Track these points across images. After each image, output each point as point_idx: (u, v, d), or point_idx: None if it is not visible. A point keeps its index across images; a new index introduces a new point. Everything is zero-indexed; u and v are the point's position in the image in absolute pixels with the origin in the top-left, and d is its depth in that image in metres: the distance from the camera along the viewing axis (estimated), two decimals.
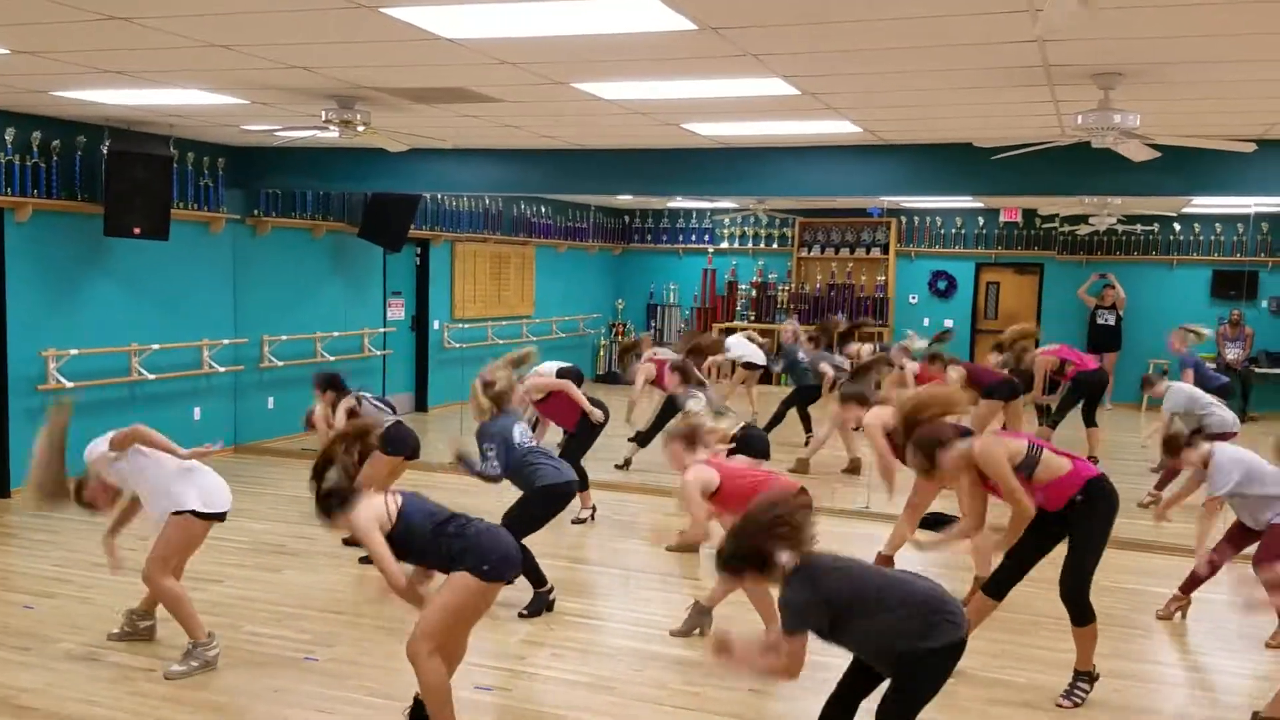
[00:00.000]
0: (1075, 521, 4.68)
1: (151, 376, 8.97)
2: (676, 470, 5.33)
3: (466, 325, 13.22)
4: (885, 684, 3.60)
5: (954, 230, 15.28)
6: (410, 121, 7.60)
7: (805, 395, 10.61)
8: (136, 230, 8.29)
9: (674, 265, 16.75)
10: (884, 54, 5.08)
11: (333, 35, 4.96)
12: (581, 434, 7.69)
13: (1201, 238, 14.26)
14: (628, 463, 9.47)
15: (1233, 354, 13.29)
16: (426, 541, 4.00)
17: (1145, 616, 6.02)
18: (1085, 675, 4.80)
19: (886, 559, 6.32)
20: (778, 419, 10.62)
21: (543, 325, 14.73)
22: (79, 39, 5.22)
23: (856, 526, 7.40)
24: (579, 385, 9.30)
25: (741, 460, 6.41)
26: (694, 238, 16.54)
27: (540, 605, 5.77)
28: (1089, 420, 9.89)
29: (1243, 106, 6.30)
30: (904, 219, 15.46)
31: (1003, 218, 14.88)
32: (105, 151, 8.16)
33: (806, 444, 10.29)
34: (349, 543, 7.06)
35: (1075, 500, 4.65)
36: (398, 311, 12.37)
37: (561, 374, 9.52)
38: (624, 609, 6.06)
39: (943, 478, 4.98)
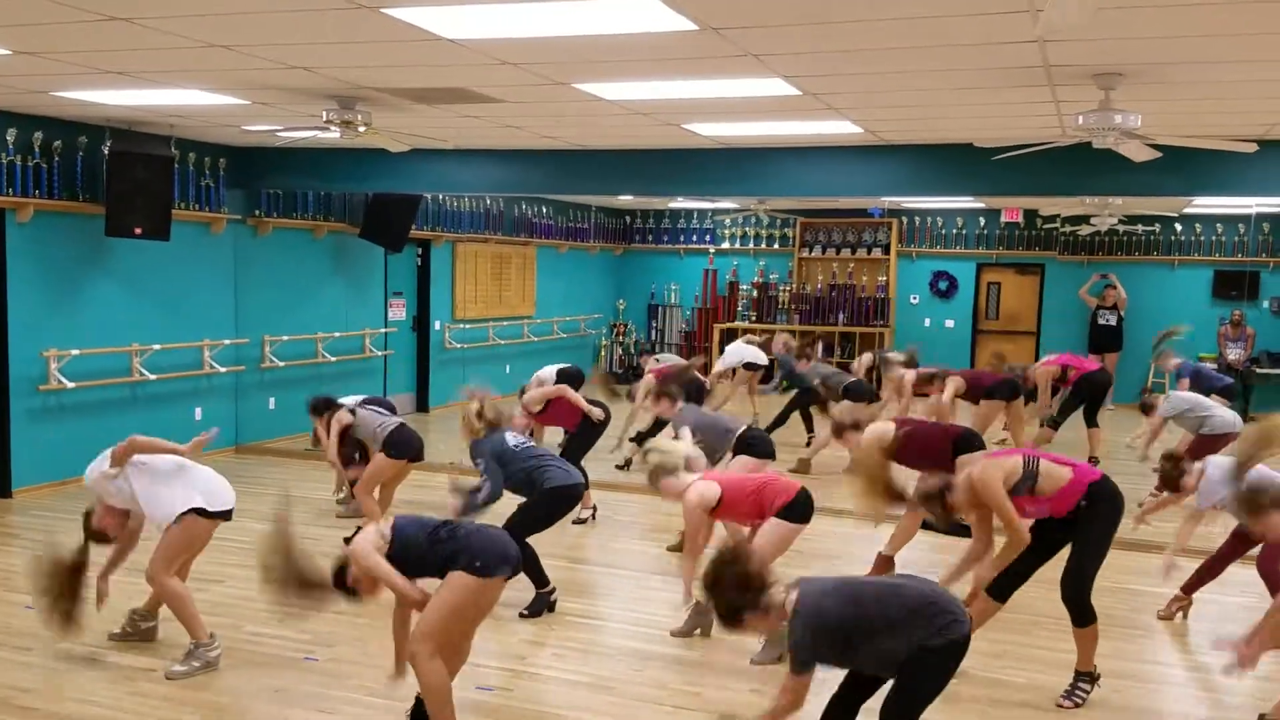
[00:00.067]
0: (1079, 525, 4.68)
1: (153, 377, 8.97)
2: (676, 500, 5.30)
3: (468, 326, 13.22)
4: (887, 684, 3.60)
5: (955, 230, 15.28)
6: (411, 122, 7.60)
7: (807, 396, 10.61)
8: (138, 230, 8.30)
9: (675, 265, 16.76)
10: (885, 54, 5.08)
11: (333, 35, 4.97)
12: (583, 434, 7.69)
13: (1203, 238, 14.26)
14: (628, 463, 9.47)
15: (1234, 354, 13.29)
16: (423, 550, 4.03)
17: (1146, 617, 6.02)
18: (1086, 676, 4.80)
19: (887, 559, 6.33)
20: (780, 420, 10.63)
21: (544, 326, 14.74)
22: (80, 40, 5.22)
23: (857, 526, 7.39)
24: (579, 385, 9.32)
25: (746, 461, 6.41)
26: (695, 238, 16.55)
27: (541, 605, 5.77)
28: (1090, 421, 9.89)
29: (1243, 107, 6.30)
30: (905, 219, 15.46)
31: (1004, 218, 14.89)
32: (106, 152, 8.17)
33: (808, 444, 10.30)
34: (349, 542, 7.07)
35: (1080, 505, 4.65)
36: (399, 312, 12.38)
37: (561, 374, 9.57)
38: (625, 609, 6.06)
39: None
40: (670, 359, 11.45)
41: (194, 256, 9.44)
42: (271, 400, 10.47)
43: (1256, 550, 5.58)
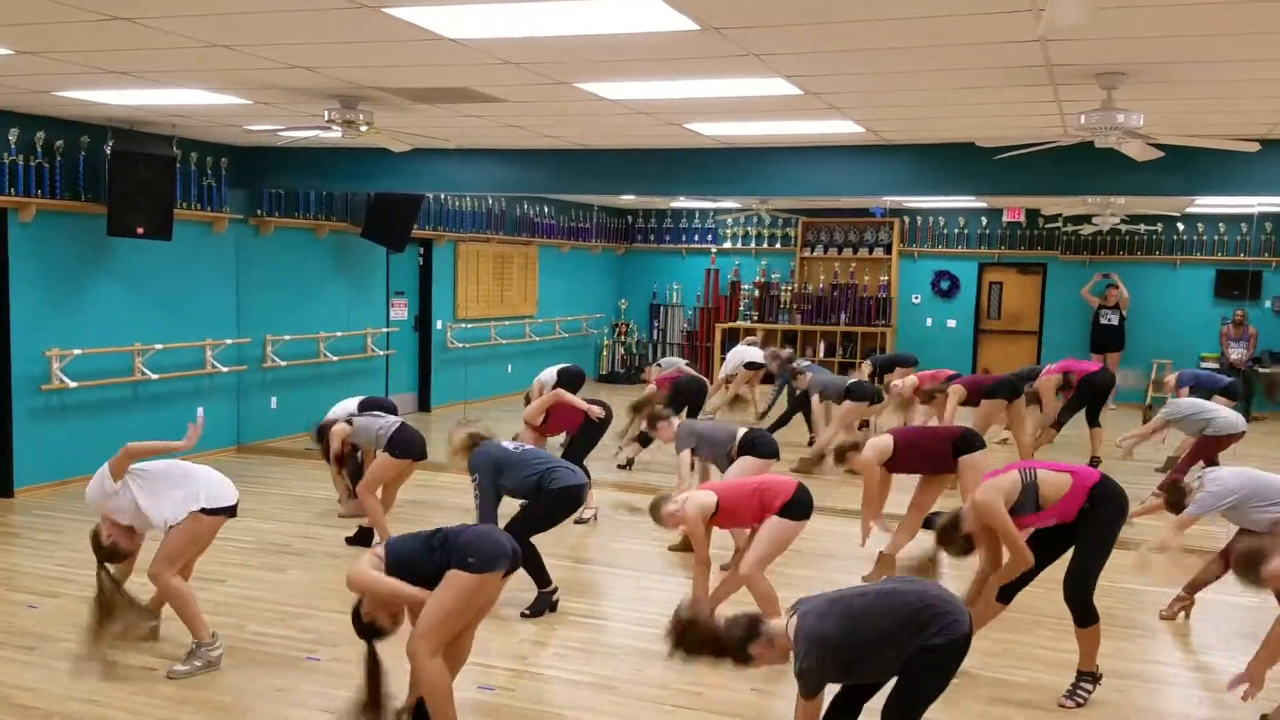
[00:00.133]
0: (1082, 526, 4.69)
1: (154, 376, 8.98)
2: (681, 524, 5.31)
3: (469, 325, 13.22)
4: (889, 684, 3.60)
5: (957, 230, 15.27)
6: (413, 121, 7.60)
7: (808, 398, 10.60)
8: (140, 230, 8.31)
9: (677, 265, 16.75)
10: (886, 54, 5.08)
11: (335, 35, 4.97)
12: (585, 434, 7.69)
13: (1205, 237, 14.25)
14: (630, 463, 9.48)
15: (1236, 354, 13.28)
16: (420, 561, 4.03)
17: (1148, 617, 6.01)
18: (1088, 676, 4.80)
19: (889, 559, 6.33)
20: (783, 420, 10.63)
21: (546, 325, 14.74)
22: (82, 39, 5.23)
23: (858, 526, 7.37)
24: (581, 384, 9.33)
25: (751, 462, 6.41)
26: (697, 238, 16.55)
27: (543, 605, 5.77)
28: (1092, 421, 9.89)
29: (1245, 106, 6.29)
30: (907, 219, 15.46)
31: (1006, 218, 14.88)
32: (108, 152, 8.17)
33: (810, 444, 10.29)
34: (352, 542, 7.08)
35: (1084, 509, 4.65)
36: (401, 311, 12.38)
37: (562, 374, 9.58)
38: (626, 609, 6.07)
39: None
40: (672, 362, 11.45)
41: (196, 256, 9.45)
42: (273, 400, 10.48)
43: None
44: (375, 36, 4.94)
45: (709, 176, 8.84)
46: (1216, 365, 13.20)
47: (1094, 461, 9.36)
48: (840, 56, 5.17)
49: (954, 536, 4.69)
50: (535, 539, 5.75)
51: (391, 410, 7.78)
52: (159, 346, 9.02)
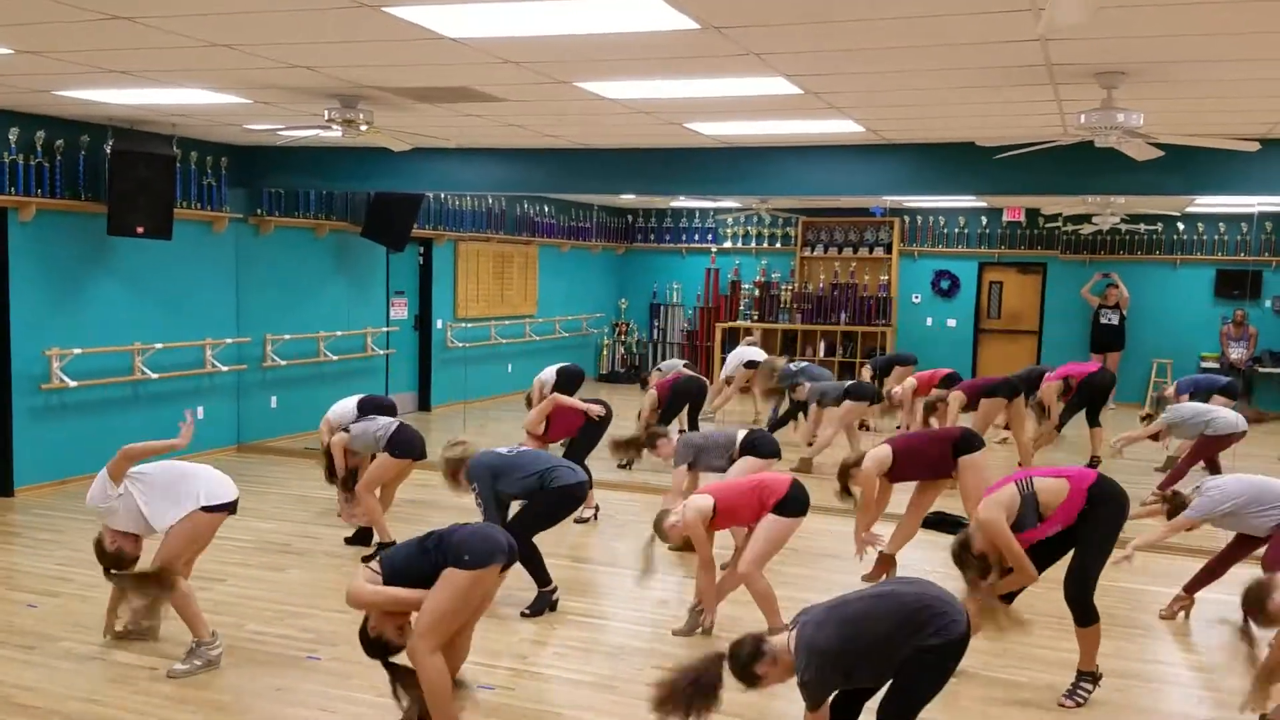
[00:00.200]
0: (1082, 526, 4.69)
1: (154, 376, 8.98)
2: (685, 532, 5.29)
3: (470, 325, 13.22)
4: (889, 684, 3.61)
5: (957, 230, 15.27)
6: (413, 121, 7.60)
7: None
8: (140, 230, 8.31)
9: (677, 265, 16.75)
10: (886, 53, 5.08)
11: (335, 35, 4.97)
12: (586, 434, 7.68)
13: (1205, 237, 14.25)
14: (630, 462, 9.47)
15: (1236, 354, 13.27)
16: (414, 561, 4.04)
17: (1148, 616, 6.02)
18: (1088, 675, 4.80)
19: (889, 558, 6.33)
20: (783, 420, 10.62)
21: (546, 325, 14.74)
22: (82, 39, 5.22)
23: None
24: (580, 383, 9.32)
25: (752, 462, 6.40)
26: (697, 237, 16.55)
27: (543, 605, 5.77)
28: (1093, 421, 9.89)
29: (1246, 105, 6.29)
30: (907, 218, 15.46)
31: (1006, 217, 14.87)
32: (108, 151, 8.17)
33: (810, 444, 10.29)
34: (351, 541, 7.09)
35: (1084, 511, 4.66)
36: (401, 311, 12.38)
37: (561, 373, 9.58)
38: (626, 608, 6.06)
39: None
40: (672, 365, 11.45)
41: (196, 255, 9.45)
42: (273, 399, 10.48)
43: (1260, 551, 5.57)
44: (375, 36, 4.94)
45: (709, 176, 8.84)
46: (1217, 365, 13.20)
47: (1094, 461, 9.37)
48: (840, 56, 5.17)
49: (968, 558, 4.68)
50: (536, 538, 5.76)
51: (391, 410, 7.78)
52: (159, 346, 9.02)
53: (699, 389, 9.84)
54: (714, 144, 8.43)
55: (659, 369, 11.48)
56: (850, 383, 10.22)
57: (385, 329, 11.91)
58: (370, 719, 4.48)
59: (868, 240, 15.68)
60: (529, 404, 9.82)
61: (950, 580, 4.69)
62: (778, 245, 16.15)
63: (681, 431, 9.77)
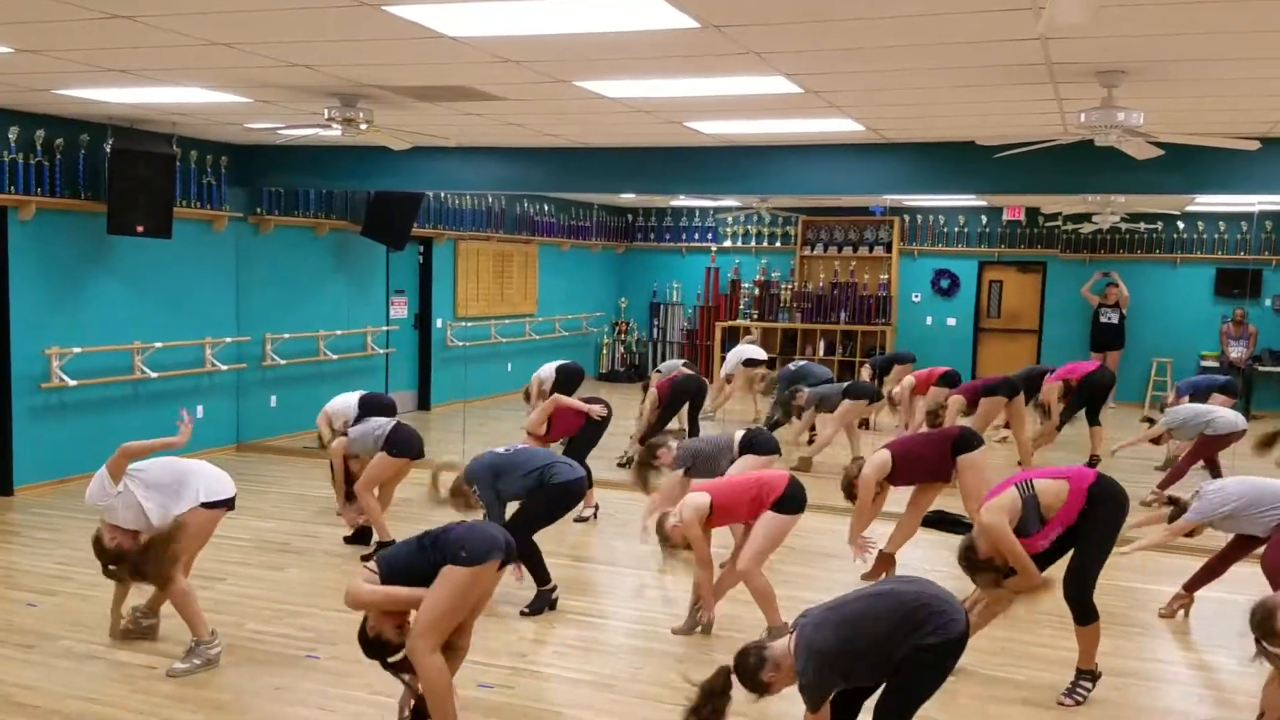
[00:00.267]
0: (1082, 525, 4.69)
1: (154, 375, 8.98)
2: (686, 532, 5.30)
3: (469, 324, 13.22)
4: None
5: (957, 229, 15.27)
6: (413, 120, 7.60)
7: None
8: (139, 228, 8.30)
9: (677, 264, 16.75)
10: (886, 52, 5.08)
11: (335, 33, 4.97)
12: (586, 433, 7.68)
13: (1205, 236, 14.25)
14: (630, 460, 9.47)
15: (1236, 352, 13.28)
16: (412, 560, 4.04)
17: (1147, 615, 6.02)
18: (1087, 674, 4.80)
19: (888, 557, 6.33)
20: (782, 419, 10.62)
21: (546, 324, 14.74)
22: (82, 37, 5.22)
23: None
24: (579, 382, 9.32)
25: (751, 460, 6.41)
26: (697, 236, 16.55)
27: (543, 604, 5.77)
28: (1092, 420, 9.89)
29: (1246, 104, 6.29)
30: (907, 217, 15.46)
31: (1006, 216, 14.87)
32: (108, 150, 8.17)
33: (810, 442, 10.30)
34: (350, 541, 7.09)
35: (1083, 510, 4.66)
36: (400, 310, 12.38)
37: (561, 371, 9.58)
38: (626, 607, 6.07)
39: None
40: (672, 365, 11.45)
41: (196, 254, 9.45)
42: (273, 398, 10.48)
43: (1260, 550, 5.57)
44: (375, 34, 4.94)
45: (709, 175, 8.83)
46: (1216, 364, 13.20)
47: (1093, 460, 9.37)
48: (840, 55, 5.17)
49: (977, 563, 4.67)
50: (535, 536, 5.76)
51: (391, 409, 7.78)
52: (159, 345, 9.02)
53: (698, 388, 9.84)
54: (714, 143, 8.42)
55: (658, 370, 11.48)
56: (848, 382, 10.22)
57: (385, 328, 11.91)
58: (369, 718, 4.49)
59: (867, 239, 15.68)
60: (526, 397, 9.87)
61: (950, 579, 4.70)
62: (777, 244, 16.15)
63: (681, 432, 9.79)
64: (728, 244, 16.39)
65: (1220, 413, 8.47)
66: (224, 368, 9.67)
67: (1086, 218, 13.42)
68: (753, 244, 16.24)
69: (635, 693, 4.79)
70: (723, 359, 13.07)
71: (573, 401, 7.65)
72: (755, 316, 15.88)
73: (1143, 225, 14.41)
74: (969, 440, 6.28)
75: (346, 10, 4.49)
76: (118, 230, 8.23)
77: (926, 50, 5.02)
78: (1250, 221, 13.93)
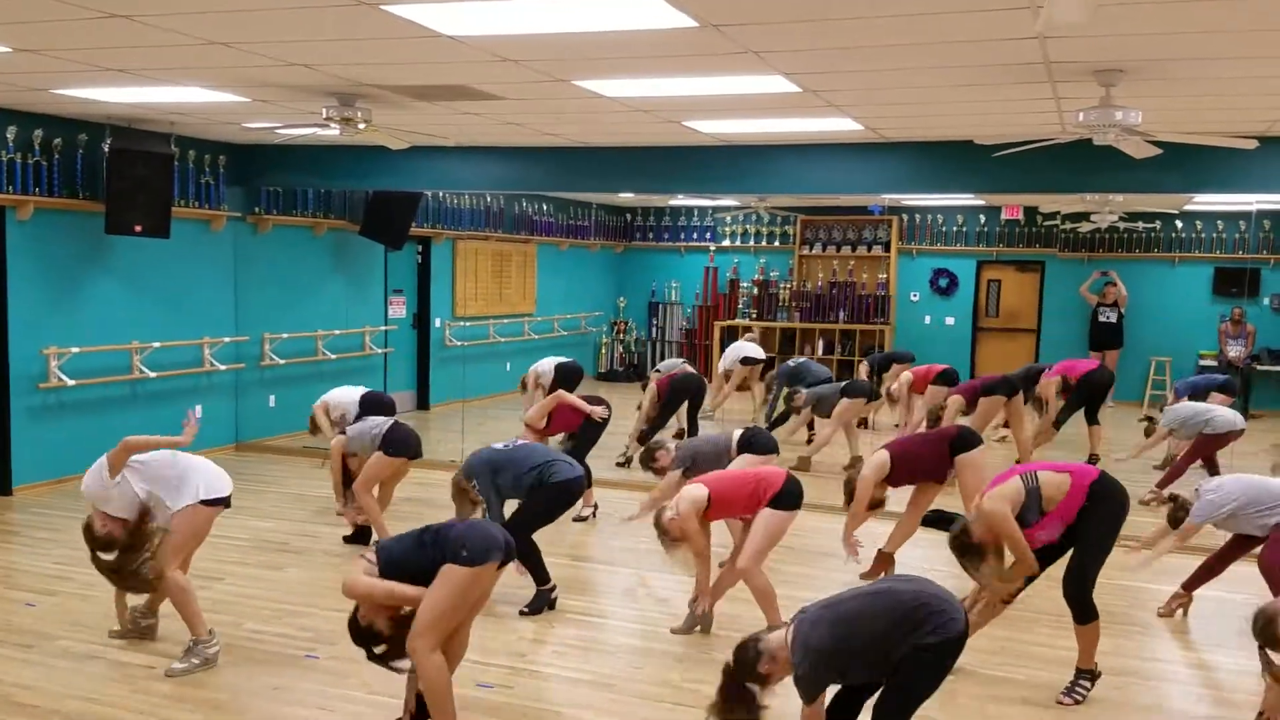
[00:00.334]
0: (1082, 523, 4.69)
1: (153, 374, 8.97)
2: (685, 524, 5.29)
3: (468, 323, 13.22)
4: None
5: (955, 228, 15.27)
6: (411, 119, 7.60)
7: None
8: (138, 228, 8.30)
9: (676, 263, 16.74)
10: (885, 51, 5.08)
11: (333, 33, 4.96)
12: (586, 433, 7.68)
13: (1203, 235, 14.24)
14: (629, 460, 9.47)
15: (1234, 351, 13.28)
16: (411, 555, 4.03)
17: (1146, 614, 6.02)
18: (1087, 673, 4.80)
19: (888, 556, 6.33)
20: (783, 419, 10.62)
21: (544, 323, 14.73)
22: (80, 37, 5.22)
23: (859, 526, 7.38)
24: (578, 381, 9.32)
25: (750, 459, 6.41)
26: (696, 235, 16.53)
27: (542, 603, 5.77)
28: (1091, 419, 9.89)
29: (1244, 103, 6.29)
30: (905, 216, 15.45)
31: (1004, 215, 14.87)
32: (106, 149, 8.17)
33: (809, 442, 10.30)
34: (350, 540, 7.08)
35: (1084, 507, 4.66)
36: (399, 309, 12.38)
37: (560, 369, 9.59)
38: (625, 606, 6.07)
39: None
40: (672, 364, 11.45)
41: (194, 254, 9.44)
42: (271, 398, 10.47)
43: (1258, 549, 5.57)
44: (373, 34, 4.94)
45: (708, 174, 8.83)
46: (1215, 363, 13.20)
47: (1093, 459, 9.37)
48: (839, 54, 5.17)
49: (969, 546, 4.67)
50: (535, 536, 5.76)
51: (390, 408, 7.79)
52: (157, 344, 9.01)
53: (698, 386, 9.85)
54: (713, 142, 8.42)
55: (657, 370, 11.49)
56: (846, 381, 10.22)
57: (383, 328, 11.90)
58: (368, 717, 4.48)
59: (866, 238, 15.67)
60: (523, 388, 9.90)
61: (950, 579, 4.69)
62: (776, 243, 16.14)
63: (681, 432, 9.79)
64: (726, 243, 16.38)
65: (1219, 411, 8.47)
66: (222, 367, 9.66)
67: (1085, 217, 13.42)
68: (751, 243, 16.23)
69: (634, 692, 4.79)
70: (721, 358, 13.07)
71: (575, 400, 7.65)
72: (754, 316, 15.87)
73: (1141, 224, 14.40)
74: (968, 440, 6.28)
75: (345, 9, 4.48)
76: (116, 230, 8.22)
77: (925, 49, 5.02)
78: (1248, 220, 13.93)
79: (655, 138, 8.34)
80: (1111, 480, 4.74)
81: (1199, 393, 9.88)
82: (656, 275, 16.85)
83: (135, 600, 5.24)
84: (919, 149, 8.18)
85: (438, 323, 12.88)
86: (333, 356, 10.92)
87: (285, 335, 10.41)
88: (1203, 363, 13.45)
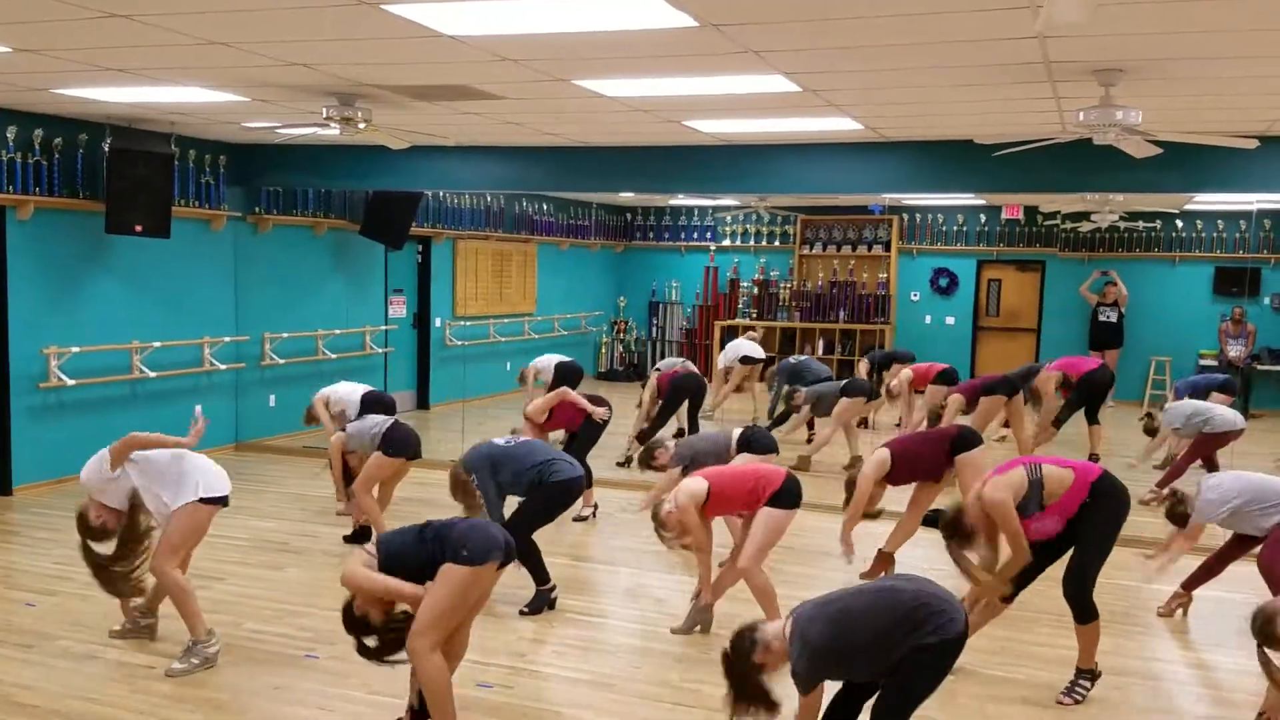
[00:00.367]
0: (1083, 522, 4.69)
1: (153, 374, 8.97)
2: (682, 518, 5.28)
3: (468, 323, 13.22)
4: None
5: (955, 227, 15.27)
6: (412, 119, 7.60)
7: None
8: (138, 228, 8.30)
9: (676, 263, 16.74)
10: (885, 50, 5.08)
11: (333, 32, 4.96)
12: (586, 432, 7.69)
13: (1204, 234, 14.24)
14: (629, 460, 9.47)
15: (1235, 351, 13.28)
16: (413, 555, 4.03)
17: (1146, 614, 6.02)
18: (1087, 673, 4.80)
19: (887, 556, 6.33)
20: (782, 418, 10.62)
21: (544, 323, 14.73)
22: (80, 37, 5.22)
23: (856, 524, 7.38)
24: (578, 381, 9.33)
25: (749, 458, 6.41)
26: (696, 235, 16.54)
27: (542, 603, 5.77)
28: (1091, 419, 9.89)
29: (1244, 103, 6.29)
30: (905, 216, 15.45)
31: (1004, 215, 14.87)
32: (107, 149, 8.17)
33: (808, 441, 10.30)
34: (350, 540, 7.08)
35: (1085, 503, 4.66)
36: (399, 309, 12.38)
37: (559, 369, 9.59)
38: (625, 606, 6.07)
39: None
40: (672, 363, 11.45)
41: (194, 254, 9.44)
42: (272, 397, 10.47)
43: (1257, 549, 5.57)
44: (373, 33, 4.94)
45: (708, 174, 8.83)
46: (1215, 362, 13.19)
47: (1092, 459, 9.37)
48: (839, 53, 5.17)
49: (960, 528, 4.70)
50: (535, 535, 5.76)
51: (391, 408, 7.79)
52: (157, 344, 9.02)
53: (698, 386, 9.85)
54: (713, 142, 8.42)
55: (657, 369, 11.49)
56: (845, 380, 10.21)
57: (384, 327, 11.90)
58: (368, 718, 4.48)
59: (866, 238, 15.67)
60: (521, 380, 9.93)
61: (950, 579, 4.69)
62: (776, 243, 16.14)
63: (681, 431, 9.79)
64: (726, 243, 16.38)
65: (1219, 410, 8.47)
66: (222, 367, 9.66)
67: (1085, 216, 13.42)
68: (751, 243, 16.23)
69: (634, 692, 4.79)
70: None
71: (579, 399, 7.65)
72: (754, 315, 15.87)
73: (1141, 224, 14.40)
74: (968, 439, 6.28)
75: (345, 9, 4.48)
76: (116, 230, 8.23)
77: (925, 49, 5.02)
78: (1249, 220, 13.93)
79: (655, 137, 8.34)
80: (1114, 479, 4.74)
81: (1199, 392, 9.88)
82: (657, 275, 16.85)
83: (134, 600, 5.24)
84: (919, 148, 8.18)
85: (438, 322, 12.88)
86: (333, 356, 10.92)
87: (285, 335, 10.41)
88: (1203, 362, 13.45)
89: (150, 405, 9.00)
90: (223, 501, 5.01)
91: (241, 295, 10.02)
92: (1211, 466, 8.48)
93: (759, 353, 11.87)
